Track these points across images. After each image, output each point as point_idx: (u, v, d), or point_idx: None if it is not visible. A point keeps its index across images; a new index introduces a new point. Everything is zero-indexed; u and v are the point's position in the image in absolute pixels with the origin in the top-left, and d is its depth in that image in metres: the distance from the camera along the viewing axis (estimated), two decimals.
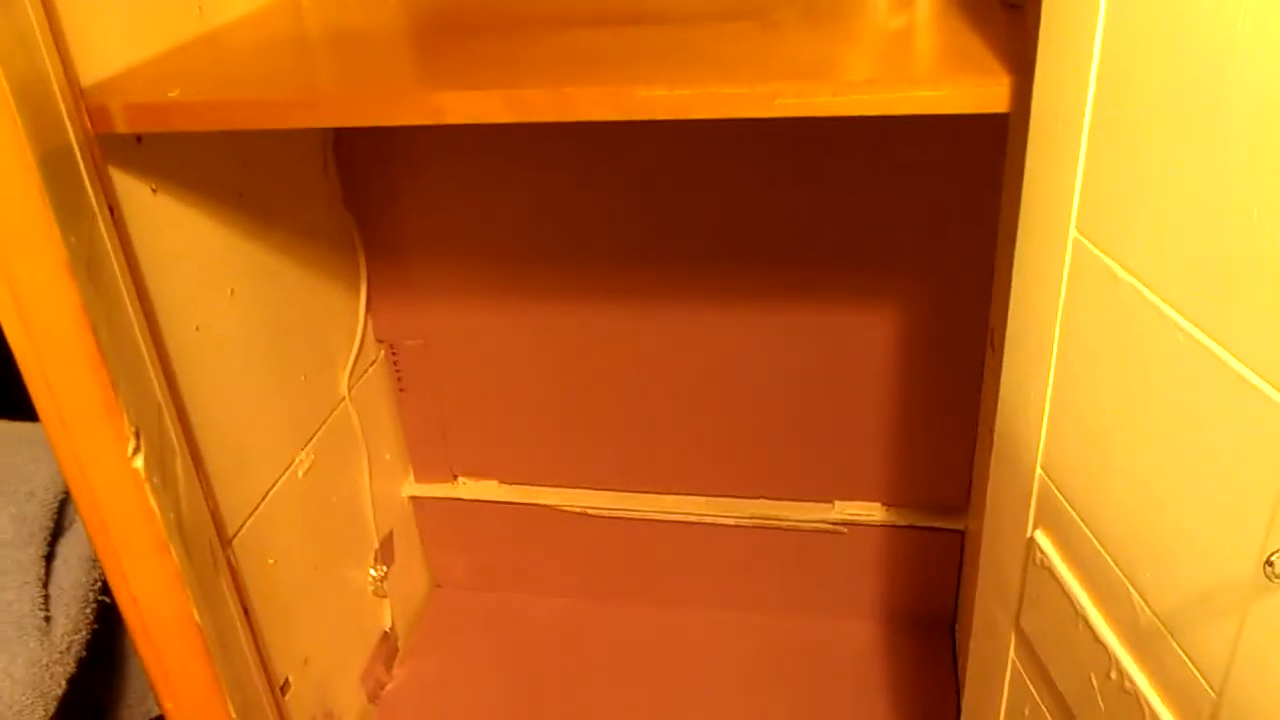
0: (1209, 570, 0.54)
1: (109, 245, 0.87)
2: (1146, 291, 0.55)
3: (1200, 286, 0.51)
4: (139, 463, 0.87)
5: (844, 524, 1.46)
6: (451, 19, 1.01)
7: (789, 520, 1.47)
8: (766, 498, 1.48)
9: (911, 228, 1.24)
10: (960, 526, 1.42)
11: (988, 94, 0.69)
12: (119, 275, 0.88)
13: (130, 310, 0.90)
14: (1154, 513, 0.59)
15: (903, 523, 1.44)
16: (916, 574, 1.48)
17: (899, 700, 1.42)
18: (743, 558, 1.52)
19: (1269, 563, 0.47)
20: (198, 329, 1.05)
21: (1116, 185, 0.57)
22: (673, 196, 1.28)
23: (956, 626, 1.50)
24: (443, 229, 1.37)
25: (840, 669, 1.48)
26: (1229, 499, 0.51)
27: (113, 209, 0.89)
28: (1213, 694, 0.55)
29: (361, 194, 1.35)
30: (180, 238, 1.02)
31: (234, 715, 0.98)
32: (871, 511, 1.45)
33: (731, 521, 1.49)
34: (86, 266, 0.83)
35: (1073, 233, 0.61)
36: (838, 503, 1.46)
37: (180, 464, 0.97)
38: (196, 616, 0.93)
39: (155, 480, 0.89)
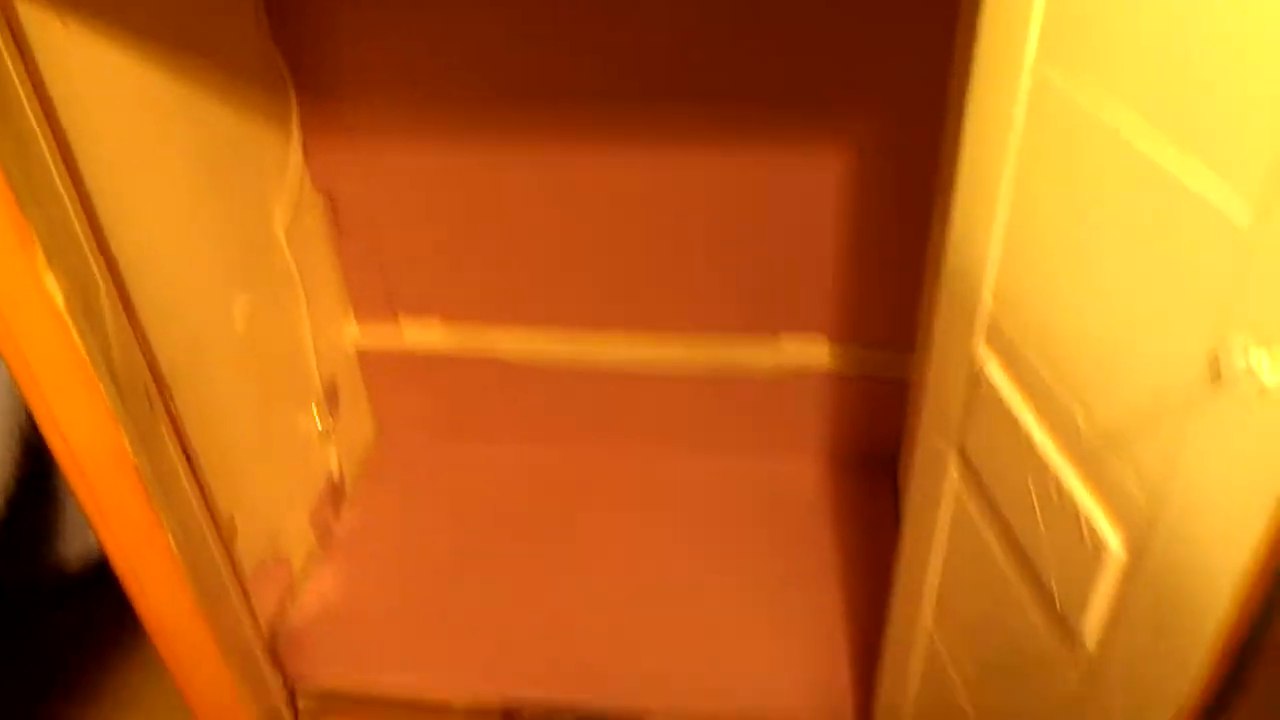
0: (1154, 380, 0.54)
1: (14, 77, 0.81)
2: (1103, 111, 0.54)
3: (1157, 103, 0.50)
4: (59, 298, 0.84)
5: (792, 365, 1.46)
6: None
7: (738, 362, 1.47)
8: (713, 331, 1.47)
9: (864, 62, 1.20)
10: (906, 366, 1.43)
11: None
12: (27, 108, 0.83)
13: (43, 145, 0.85)
14: (1103, 327, 0.58)
15: (850, 362, 1.45)
16: (862, 414, 1.50)
17: (842, 536, 1.45)
18: (691, 400, 1.53)
19: (1215, 364, 0.46)
20: (120, 167, 1.00)
21: (1078, 18, 0.55)
22: (618, 32, 1.23)
23: (899, 465, 1.52)
24: (377, 67, 1.30)
25: (786, 508, 1.51)
26: (1176, 306, 0.51)
27: (19, 41, 0.83)
28: (1149, 502, 0.56)
29: (292, 29, 1.28)
30: (95, 73, 0.95)
31: (176, 551, 0.97)
32: (819, 351, 1.46)
33: (679, 358, 1.49)
34: None
35: (1031, 52, 0.59)
36: (786, 341, 1.46)
37: (106, 301, 0.93)
38: (131, 454, 0.91)
39: (78, 315, 0.86)
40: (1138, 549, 0.58)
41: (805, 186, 1.31)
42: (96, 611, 1.53)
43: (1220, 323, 0.48)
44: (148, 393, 1.00)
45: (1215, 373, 0.47)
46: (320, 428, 1.47)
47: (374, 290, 1.52)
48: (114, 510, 0.94)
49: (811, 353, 1.46)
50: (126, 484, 0.91)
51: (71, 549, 1.15)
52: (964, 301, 0.74)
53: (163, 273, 1.08)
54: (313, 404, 1.46)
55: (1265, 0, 0.43)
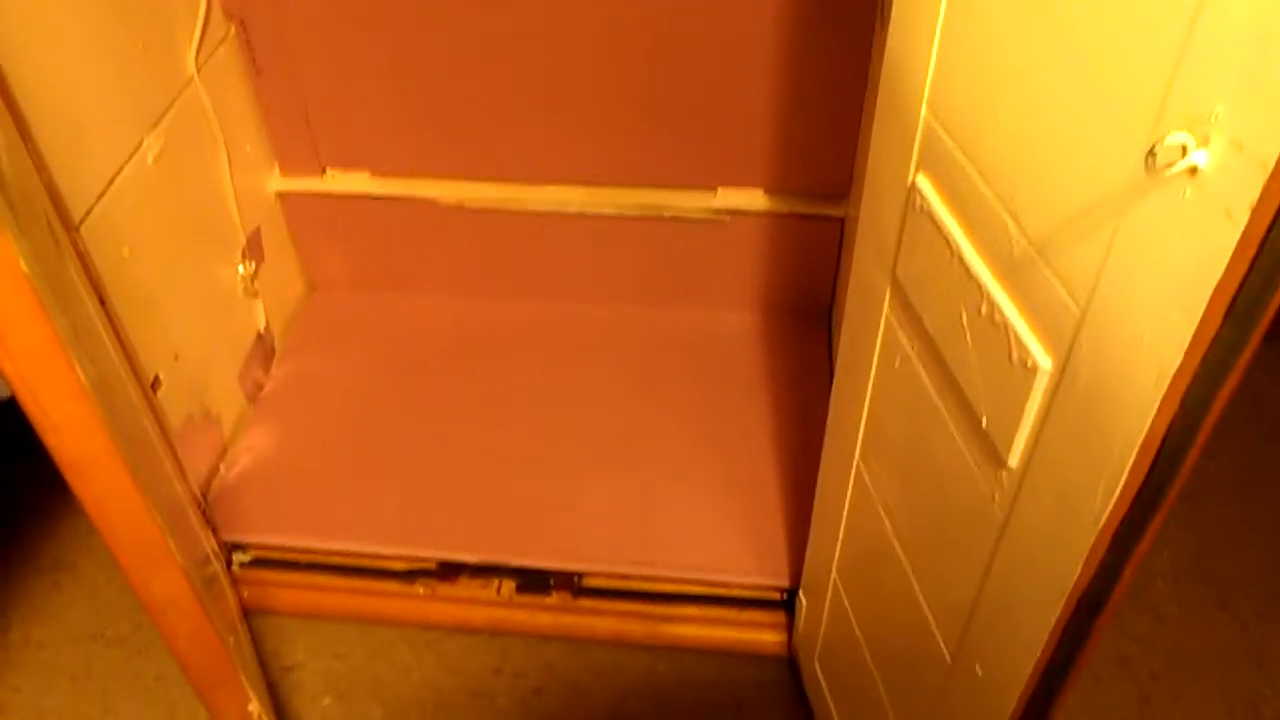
0: (1086, 179, 0.52)
1: None
2: None
3: None
4: None
5: (726, 212, 1.44)
6: None
7: (671, 209, 1.45)
8: (648, 185, 1.44)
9: None
10: (841, 213, 1.41)
11: None
12: None
13: None
14: (1037, 128, 0.56)
15: (784, 210, 1.43)
16: (797, 263, 1.49)
17: (778, 387, 1.46)
18: (625, 249, 1.51)
19: (1151, 153, 0.45)
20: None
21: None
22: None
23: (833, 314, 1.52)
24: None
25: (721, 359, 1.50)
26: (1117, 98, 0.49)
27: None
28: (1077, 310, 0.55)
29: None
30: None
31: (88, 387, 0.93)
32: (753, 199, 1.43)
33: (613, 211, 1.46)
34: None
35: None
36: (720, 190, 1.43)
37: (3, 135, 0.87)
38: (25, 269, 0.86)
39: None
40: (1064, 360, 0.57)
41: (741, 29, 1.27)
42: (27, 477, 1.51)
43: (1157, 118, 0.46)
44: (52, 230, 0.95)
45: (1149, 164, 0.45)
46: (244, 278, 1.43)
47: (296, 135, 1.45)
48: (22, 351, 0.90)
49: (746, 202, 1.44)
50: (25, 307, 0.87)
51: None
52: (900, 120, 0.72)
53: (66, 108, 1.02)
54: (237, 254, 1.41)
55: None
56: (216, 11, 1.31)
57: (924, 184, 0.70)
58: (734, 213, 1.44)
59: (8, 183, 0.81)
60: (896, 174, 0.74)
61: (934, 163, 0.69)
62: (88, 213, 1.06)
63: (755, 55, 1.28)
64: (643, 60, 1.31)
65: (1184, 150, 0.44)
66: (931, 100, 0.68)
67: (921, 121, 0.69)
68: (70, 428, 0.86)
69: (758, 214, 1.43)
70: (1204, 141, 0.44)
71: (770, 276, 1.51)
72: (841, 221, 1.42)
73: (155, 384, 1.21)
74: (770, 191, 1.42)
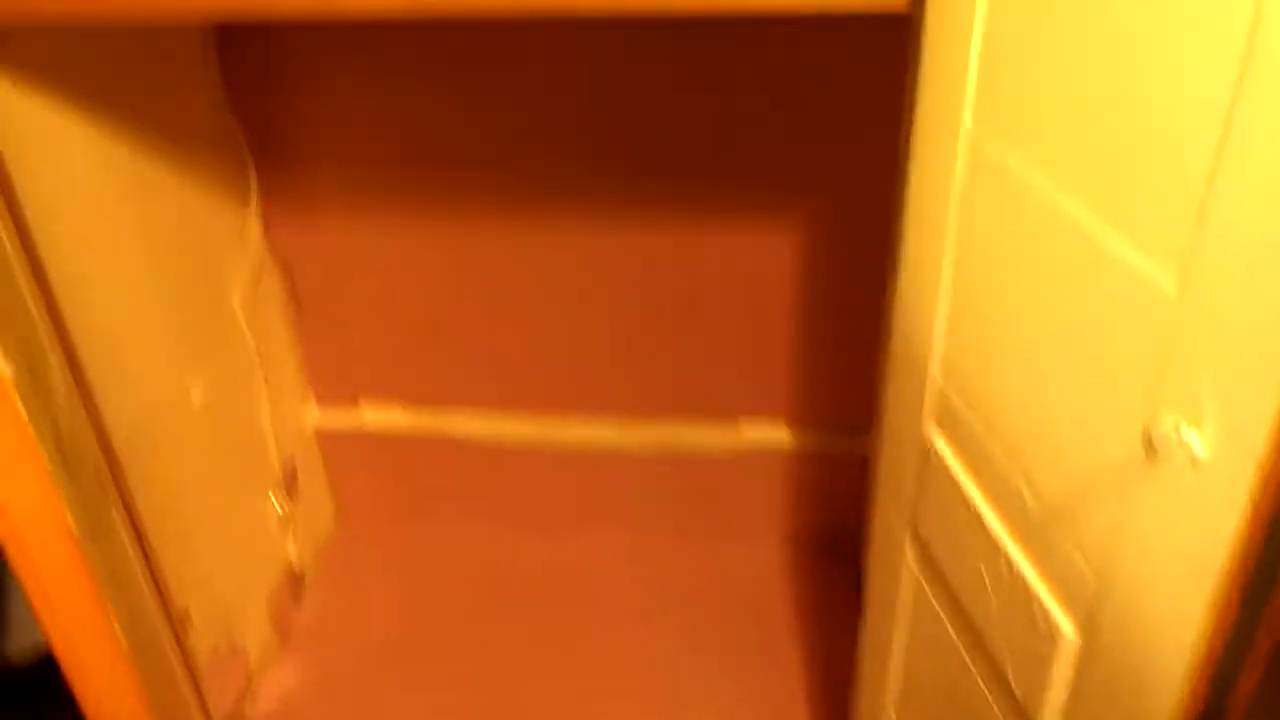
0: (1093, 455, 0.53)
1: None
2: (1035, 181, 0.54)
3: (1085, 175, 0.51)
4: (6, 371, 0.83)
5: (752, 448, 1.46)
6: None
7: (697, 445, 1.46)
8: (673, 416, 1.46)
9: (819, 142, 1.22)
10: (864, 450, 1.42)
11: None
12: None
13: None
14: (1043, 402, 0.58)
15: (809, 444, 1.44)
16: (822, 496, 1.49)
17: (804, 621, 1.43)
18: (651, 483, 1.52)
19: (1147, 436, 0.46)
20: (74, 240, 0.99)
21: (1009, 75, 0.56)
22: (574, 112, 1.25)
23: (860, 549, 1.51)
24: (337, 139, 1.31)
25: (747, 593, 1.48)
26: (1109, 379, 0.51)
27: None
28: (1095, 581, 0.55)
29: (250, 98, 1.28)
30: (46, 139, 0.95)
31: (122, 639, 0.94)
32: (778, 434, 1.45)
33: (640, 446, 1.48)
34: None
35: (966, 124, 0.60)
36: (744, 421, 1.45)
37: (58, 376, 0.92)
38: (76, 533, 0.89)
39: (26, 391, 0.85)
40: (1089, 630, 0.56)
41: (763, 269, 1.32)
42: (48, 714, 1.48)
43: (1152, 396, 0.47)
44: (98, 472, 0.98)
45: (1149, 448, 0.46)
46: (280, 513, 1.45)
47: (333, 369, 1.50)
48: (57, 593, 0.92)
49: (771, 436, 1.45)
50: (70, 565, 0.89)
51: (18, 643, 1.12)
52: (912, 378, 0.74)
53: (117, 347, 1.07)
54: (271, 489, 1.44)
55: (1176, 73, 0.44)
56: (263, 253, 1.38)
57: (938, 440, 0.71)
58: (757, 444, 1.45)
59: (66, 449, 0.85)
60: (912, 426, 0.76)
61: (947, 420, 0.70)
62: (132, 452, 1.09)
63: (777, 290, 1.33)
64: (666, 298, 1.36)
65: (1178, 432, 0.45)
66: (943, 363, 0.70)
67: (934, 381, 0.71)
68: (102, 684, 0.86)
69: (780, 445, 1.45)
70: (1198, 427, 0.45)
71: (794, 507, 1.51)
72: (865, 451, 1.43)
73: (184, 617, 1.21)
74: (793, 423, 1.44)
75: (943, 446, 0.71)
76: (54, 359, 0.90)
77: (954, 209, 0.63)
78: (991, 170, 0.58)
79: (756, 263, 1.32)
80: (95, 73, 1.02)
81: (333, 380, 1.51)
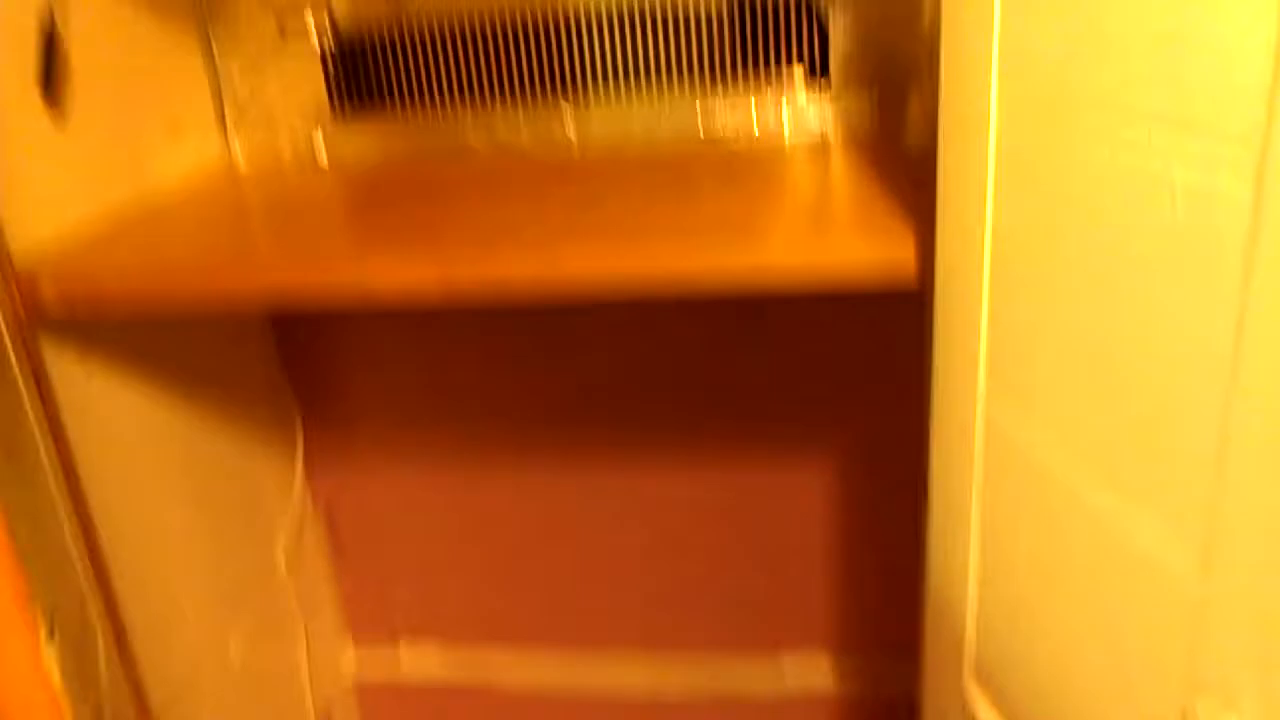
0: None
1: (34, 425, 0.86)
2: (1051, 458, 0.57)
3: (1098, 452, 0.53)
4: (50, 653, 0.84)
5: (795, 685, 1.43)
6: (384, 195, 1.04)
7: (738, 683, 1.45)
8: (711, 648, 1.45)
9: (845, 383, 1.26)
10: (909, 686, 1.40)
11: (894, 259, 0.72)
12: (44, 458, 0.87)
13: (56, 496, 0.88)
14: (1078, 676, 0.58)
15: (853, 676, 1.42)
16: None
17: None
18: None
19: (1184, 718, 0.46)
20: (126, 507, 1.03)
21: (1018, 352, 0.59)
22: (609, 363, 1.30)
23: None
24: (382, 392, 1.37)
25: None
26: (1144, 662, 0.51)
27: (40, 383, 0.88)
28: None
29: (301, 353, 1.35)
30: (111, 410, 1.01)
31: None
32: (821, 666, 1.43)
33: (679, 690, 1.46)
34: (6, 452, 0.81)
35: (981, 413, 0.63)
36: (787, 657, 1.44)
37: (103, 650, 0.93)
38: None
39: (69, 669, 0.86)
40: None
41: (796, 499, 1.34)
42: None
43: (1187, 679, 0.48)
44: None
45: None
46: None
47: (372, 610, 1.51)
48: None
49: (813, 669, 1.43)
50: None
51: None
52: (949, 637, 0.74)
53: (162, 608, 1.09)
54: None
55: (1183, 337, 0.46)
56: (307, 502, 1.42)
57: (979, 700, 0.71)
58: (800, 681, 1.43)
59: (104, 710, 0.86)
60: (952, 683, 0.75)
61: (987, 681, 0.70)
62: (168, 708, 1.09)
63: (811, 520, 1.34)
64: (700, 530, 1.38)
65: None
66: (979, 625, 0.71)
67: (970, 642, 0.72)
68: None
69: (824, 680, 1.43)
70: (1234, 708, 0.45)
71: None
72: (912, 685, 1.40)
73: None
74: (836, 652, 1.42)
75: (983, 708, 0.70)
76: (100, 630, 0.92)
77: (977, 481, 0.65)
78: (1010, 457, 0.61)
79: (789, 491, 1.34)
80: (159, 342, 1.08)
81: (371, 620, 1.52)
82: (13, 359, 0.84)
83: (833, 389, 1.27)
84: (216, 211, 1.00)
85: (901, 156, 0.95)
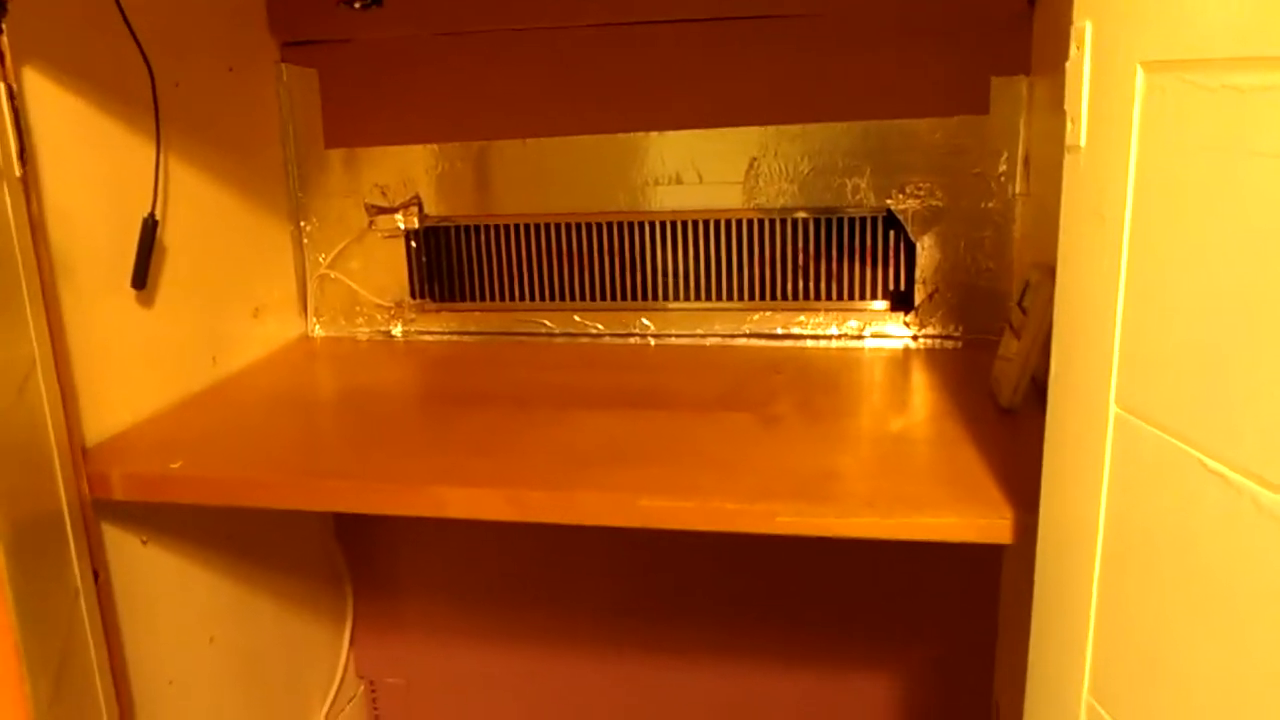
0: None
1: (86, 624, 0.84)
2: None
3: None
4: None
5: None
6: (460, 389, 1.04)
7: None
8: None
9: (914, 599, 1.21)
10: None
11: (991, 526, 0.69)
12: (88, 630, 0.85)
13: (93, 654, 0.85)
14: None
15: None
16: None
17: None
18: None
19: None
20: (170, 683, 1.00)
21: (1128, 655, 0.55)
22: (669, 559, 1.27)
23: None
24: (434, 571, 1.34)
25: None
26: None
27: (97, 575, 0.87)
28: None
29: (356, 531, 1.33)
30: (166, 587, 0.99)
31: None
32: None
33: None
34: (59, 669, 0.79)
35: (1086, 698, 0.58)
36: None
37: None
38: None
39: None
40: None
41: (861, 711, 1.27)
42: None
43: None
44: None
45: None
46: None
47: None
48: None
49: None
50: None
51: None
52: None
53: None
54: None
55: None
56: (350, 673, 1.38)
57: None
58: None
59: None
60: None
61: None
62: None
63: None
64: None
65: None
66: None
67: None
68: None
69: None
70: None
71: None
72: None
73: None
74: None
75: None
76: None
77: None
78: None
79: (857, 708, 1.27)
80: (216, 519, 1.07)
81: None
82: (69, 534, 0.83)
83: (903, 602, 1.22)
84: (290, 405, 1.00)
85: (989, 396, 0.92)
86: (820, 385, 0.99)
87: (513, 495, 0.75)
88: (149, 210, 0.93)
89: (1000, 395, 0.88)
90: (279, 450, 0.87)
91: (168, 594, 0.99)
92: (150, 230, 0.92)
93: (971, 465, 0.77)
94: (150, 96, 0.93)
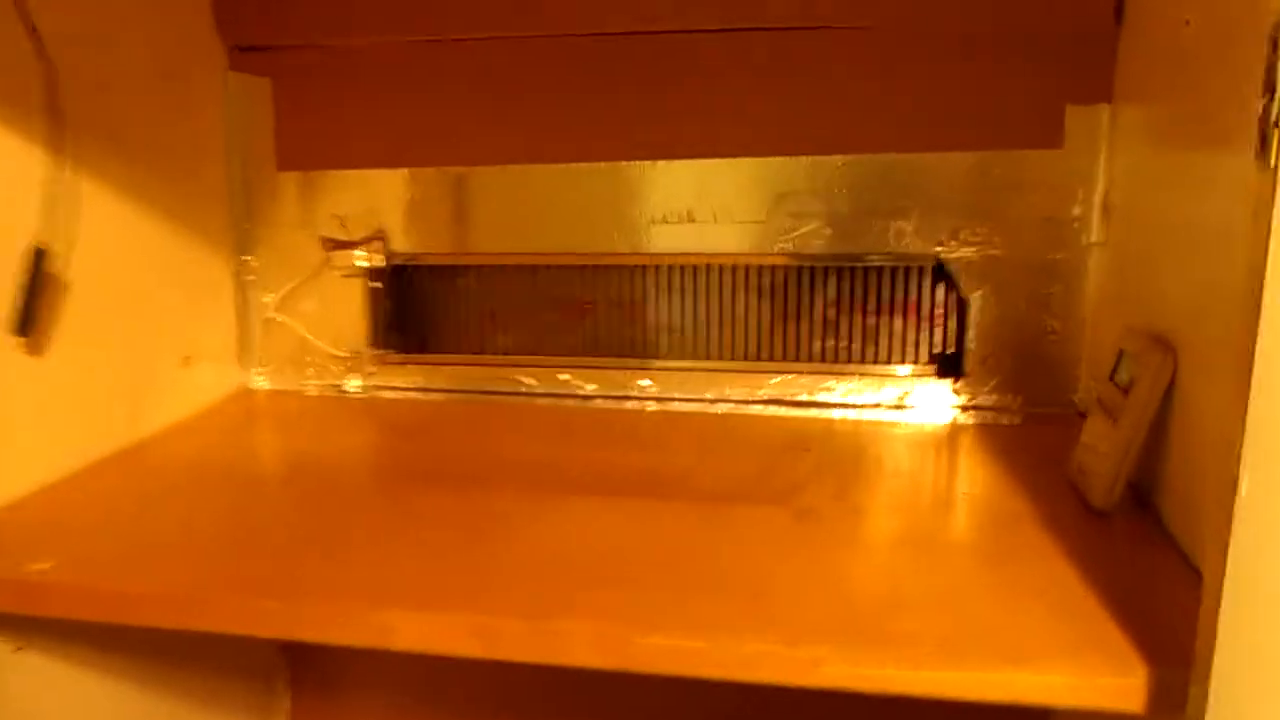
0: None
1: None
2: None
3: None
4: None
5: None
6: (423, 463, 0.86)
7: None
8: None
9: None
10: None
11: (1118, 688, 0.51)
12: None
13: None
14: None
15: None
16: None
17: None
18: None
19: None
20: None
21: None
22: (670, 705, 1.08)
23: None
24: (385, 669, 1.15)
25: None
26: None
27: None
28: None
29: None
30: (50, 702, 0.80)
31: None
32: None
33: None
34: None
35: None
36: None
37: None
38: None
39: None
40: None
41: None
42: None
43: None
44: None
45: None
46: None
47: None
48: None
49: None
50: None
51: None
52: None
53: None
54: None
55: None
56: None
57: None
58: None
59: None
60: None
61: None
62: None
63: None
64: None
65: None
66: None
67: None
68: None
69: None
70: None
71: None
72: None
73: None
74: None
75: None
76: None
77: None
78: None
79: None
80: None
81: None
82: None
83: None
84: (214, 478, 0.82)
85: (1070, 489, 0.75)
86: (858, 468, 0.81)
87: (479, 625, 0.57)
88: (37, 239, 0.75)
89: (1090, 494, 0.71)
90: (190, 544, 0.69)
91: (54, 710, 0.80)
92: (36, 262, 0.74)
93: (1072, 593, 0.59)
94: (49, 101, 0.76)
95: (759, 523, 0.70)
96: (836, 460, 0.83)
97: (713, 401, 0.98)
